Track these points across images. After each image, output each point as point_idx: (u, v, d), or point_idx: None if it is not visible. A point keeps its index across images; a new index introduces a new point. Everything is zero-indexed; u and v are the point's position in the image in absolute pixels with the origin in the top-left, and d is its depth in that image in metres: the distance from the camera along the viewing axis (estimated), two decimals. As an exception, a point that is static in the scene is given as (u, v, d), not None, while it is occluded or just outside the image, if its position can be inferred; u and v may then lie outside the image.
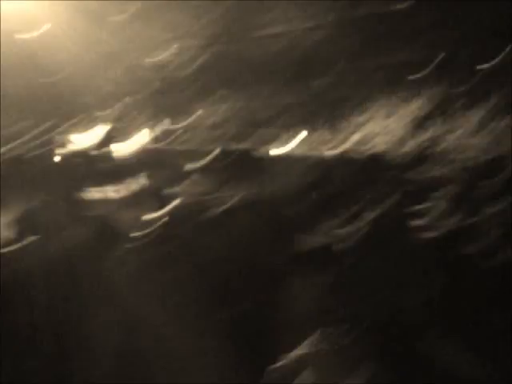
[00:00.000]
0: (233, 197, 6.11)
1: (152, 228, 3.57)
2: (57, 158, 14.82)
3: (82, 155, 12.62)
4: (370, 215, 4.52)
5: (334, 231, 5.14)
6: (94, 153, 11.46)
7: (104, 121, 11.19)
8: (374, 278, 3.79)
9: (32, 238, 4.75)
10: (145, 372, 3.38)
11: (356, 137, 15.12)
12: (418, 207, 5.48)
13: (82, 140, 13.29)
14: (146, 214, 5.70)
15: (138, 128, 16.14)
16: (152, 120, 16.22)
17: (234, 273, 3.81)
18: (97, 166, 11.42)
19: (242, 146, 16.94)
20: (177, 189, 8.47)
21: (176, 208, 5.84)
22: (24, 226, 5.20)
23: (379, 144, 14.05)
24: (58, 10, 16.82)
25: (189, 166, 12.67)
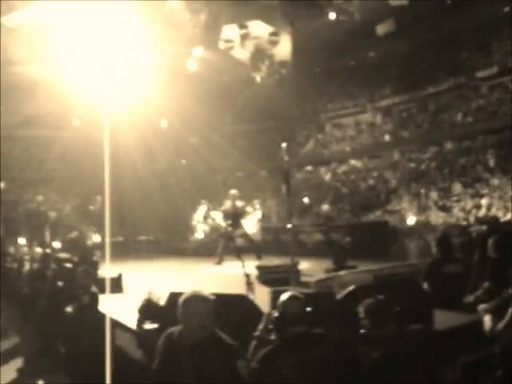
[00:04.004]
0: (366, 272, 6.12)
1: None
2: (199, 235, 15.92)
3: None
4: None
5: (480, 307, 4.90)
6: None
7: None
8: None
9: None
10: None
11: (493, 200, 14.31)
12: None
13: (220, 217, 14.33)
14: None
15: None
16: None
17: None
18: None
19: (374, 215, 16.69)
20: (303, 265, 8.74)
21: (307, 286, 5.95)
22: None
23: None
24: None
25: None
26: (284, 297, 3.51)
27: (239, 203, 11.86)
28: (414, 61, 20.43)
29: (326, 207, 14.04)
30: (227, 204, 11.81)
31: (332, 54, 20.92)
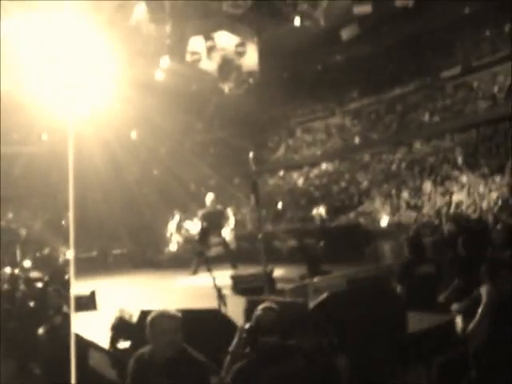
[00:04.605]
0: (340, 277, 6.12)
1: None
2: (173, 247, 15.81)
3: (194, 241, 13.57)
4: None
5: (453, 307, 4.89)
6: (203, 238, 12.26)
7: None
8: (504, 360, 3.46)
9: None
10: None
11: (462, 197, 14.51)
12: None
13: (194, 227, 14.23)
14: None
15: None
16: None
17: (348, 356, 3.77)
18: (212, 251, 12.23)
19: (346, 217, 16.72)
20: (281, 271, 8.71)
21: (282, 294, 5.92)
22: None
23: (484, 205, 13.34)
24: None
25: (290, 244, 12.98)
26: (258, 308, 3.50)
27: (217, 207, 11.84)
28: (380, 63, 20.68)
29: (321, 210, 13.84)
30: (204, 210, 11.78)
31: (299, 59, 21.05)
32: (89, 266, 15.06)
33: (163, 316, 3.24)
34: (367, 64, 21.07)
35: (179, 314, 3.26)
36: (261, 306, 3.52)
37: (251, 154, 7.24)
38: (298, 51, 20.22)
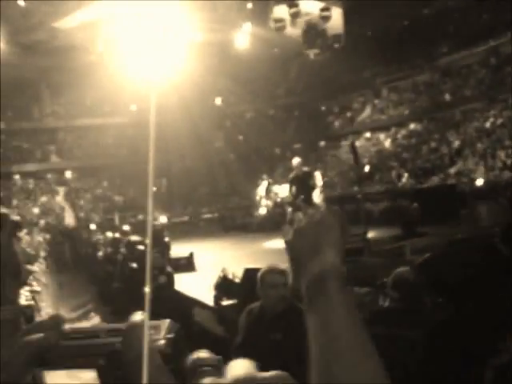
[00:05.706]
0: (439, 238, 5.96)
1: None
2: (263, 210, 16.03)
3: (283, 205, 13.71)
4: None
5: None
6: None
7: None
8: None
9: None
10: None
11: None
12: None
13: (283, 190, 14.34)
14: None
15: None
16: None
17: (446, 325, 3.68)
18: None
19: (438, 178, 16.10)
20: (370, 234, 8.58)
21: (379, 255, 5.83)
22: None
23: None
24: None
25: (378, 208, 12.75)
26: (397, 269, 3.42)
27: (304, 169, 11.84)
28: (471, 14, 19.51)
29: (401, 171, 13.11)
30: (293, 173, 11.82)
31: (384, 15, 20.25)
32: (181, 230, 15.62)
33: (273, 271, 3.30)
34: (458, 16, 19.93)
35: (288, 270, 3.31)
36: (401, 269, 3.44)
37: (349, 114, 7.15)
38: (383, 6, 19.42)
